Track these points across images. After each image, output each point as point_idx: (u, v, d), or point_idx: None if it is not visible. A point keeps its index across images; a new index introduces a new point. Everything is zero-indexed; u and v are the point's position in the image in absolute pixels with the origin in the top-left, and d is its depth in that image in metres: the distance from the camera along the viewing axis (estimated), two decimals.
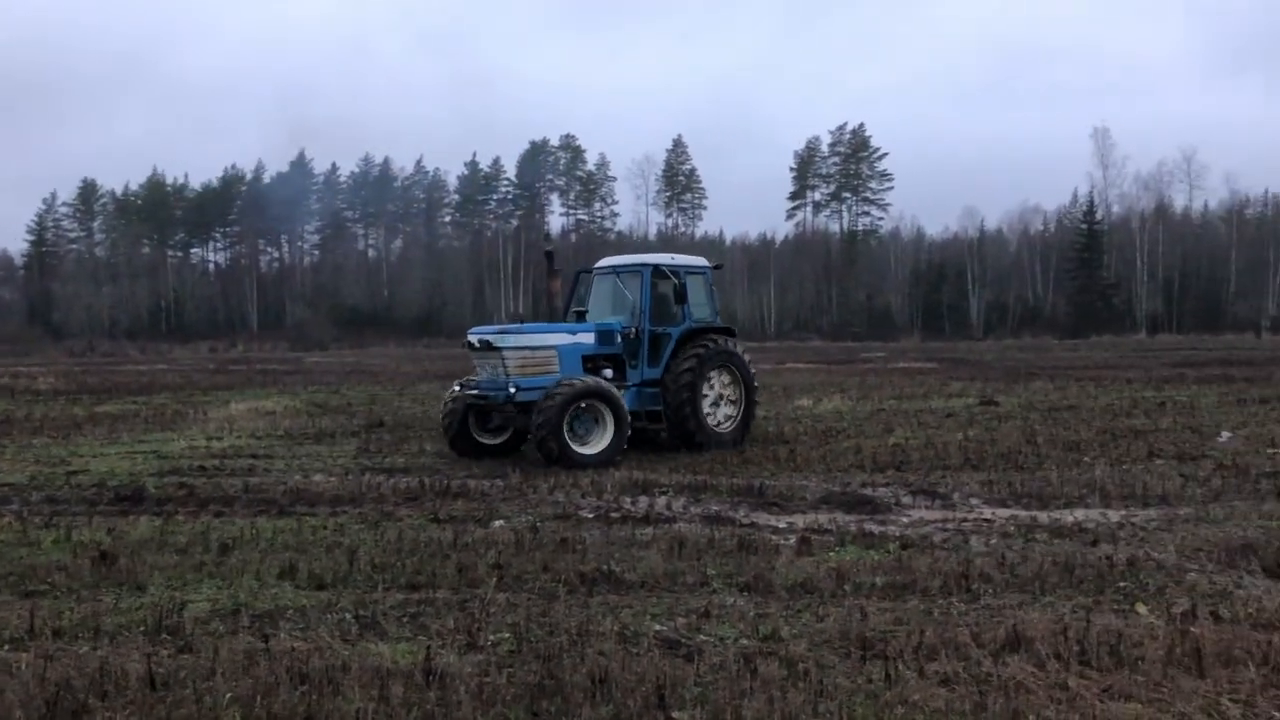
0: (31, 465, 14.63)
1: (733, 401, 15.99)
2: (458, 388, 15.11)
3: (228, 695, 5.09)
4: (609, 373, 15.01)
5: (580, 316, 16.09)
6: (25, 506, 11.24)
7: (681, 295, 15.41)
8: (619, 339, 15.46)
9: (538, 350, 14.63)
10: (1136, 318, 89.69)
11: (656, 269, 15.67)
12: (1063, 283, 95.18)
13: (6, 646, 6.19)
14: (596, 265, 16.99)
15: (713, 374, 15.56)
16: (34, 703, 4.96)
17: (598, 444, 14.00)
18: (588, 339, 15.20)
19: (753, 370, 16.29)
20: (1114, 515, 10.04)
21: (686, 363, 15.17)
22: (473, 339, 14.92)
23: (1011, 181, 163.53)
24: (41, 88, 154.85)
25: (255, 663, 5.63)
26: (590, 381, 14.10)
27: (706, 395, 15.49)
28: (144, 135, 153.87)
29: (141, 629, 6.53)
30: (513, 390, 14.01)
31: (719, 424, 15.70)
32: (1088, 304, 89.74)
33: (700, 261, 16.88)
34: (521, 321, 15.57)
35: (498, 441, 15.35)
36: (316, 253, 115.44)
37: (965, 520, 9.96)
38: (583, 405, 13.92)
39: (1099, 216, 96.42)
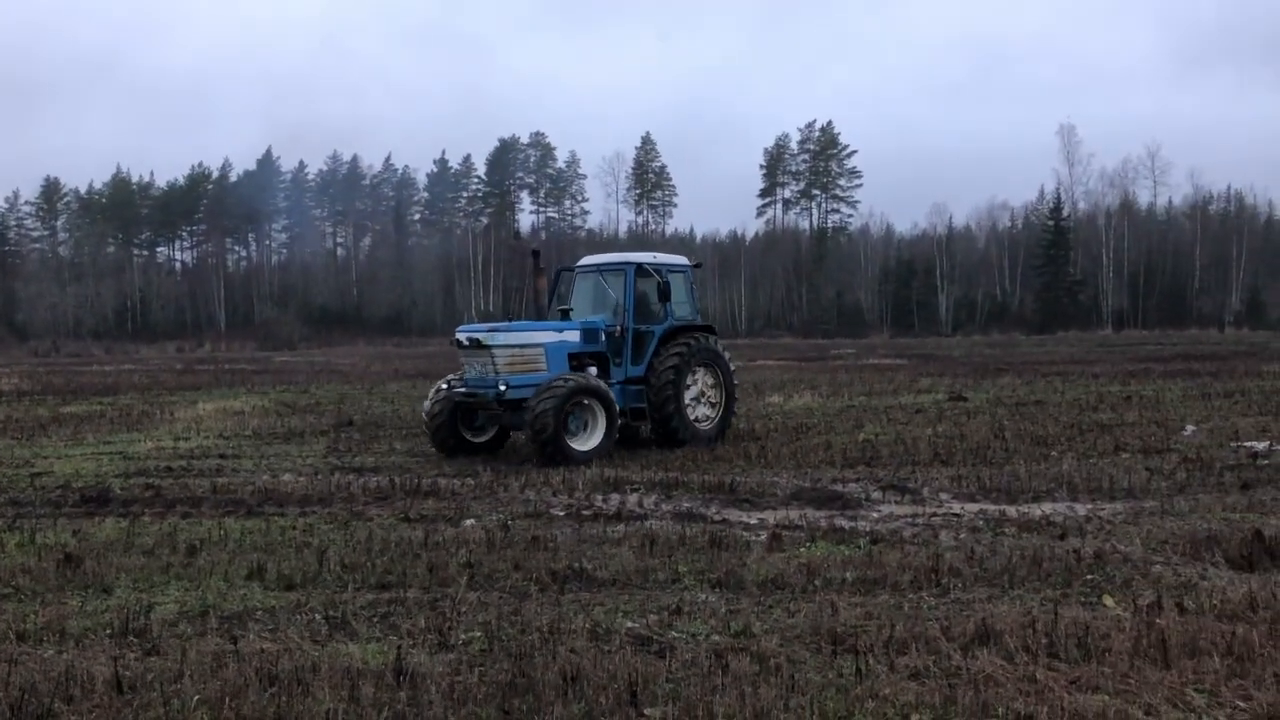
0: None
1: (713, 400, 16.14)
2: (445, 385, 15.11)
3: (196, 698, 5.04)
4: (593, 370, 15.05)
5: (565, 315, 16.06)
6: None
7: (666, 293, 15.50)
8: (603, 337, 15.56)
9: (526, 348, 14.75)
10: (1102, 313, 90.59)
11: (640, 267, 15.80)
12: (1030, 279, 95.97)
13: None
14: (579, 263, 17.06)
15: (694, 372, 15.72)
16: None
17: (590, 440, 14.18)
18: (574, 337, 15.31)
19: (732, 368, 16.50)
20: (1081, 509, 10.14)
21: (670, 360, 15.32)
22: (461, 337, 14.93)
23: (980, 178, 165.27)
24: (4, 84, 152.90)
25: (224, 664, 5.59)
26: (583, 379, 14.24)
27: (688, 392, 15.63)
28: (109, 133, 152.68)
29: (108, 632, 6.46)
30: (502, 388, 14.12)
31: (699, 421, 15.86)
32: (1054, 300, 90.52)
33: (681, 260, 17.05)
34: (511, 320, 15.55)
35: (483, 440, 15.46)
36: (284, 251, 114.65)
37: (935, 515, 10.02)
38: (583, 402, 14.11)
39: (1065, 213, 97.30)
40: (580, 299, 16.54)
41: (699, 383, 15.87)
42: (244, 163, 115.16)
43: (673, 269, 16.32)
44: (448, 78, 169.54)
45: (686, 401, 15.58)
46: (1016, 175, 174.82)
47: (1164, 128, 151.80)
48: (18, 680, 5.30)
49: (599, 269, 16.45)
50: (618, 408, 14.65)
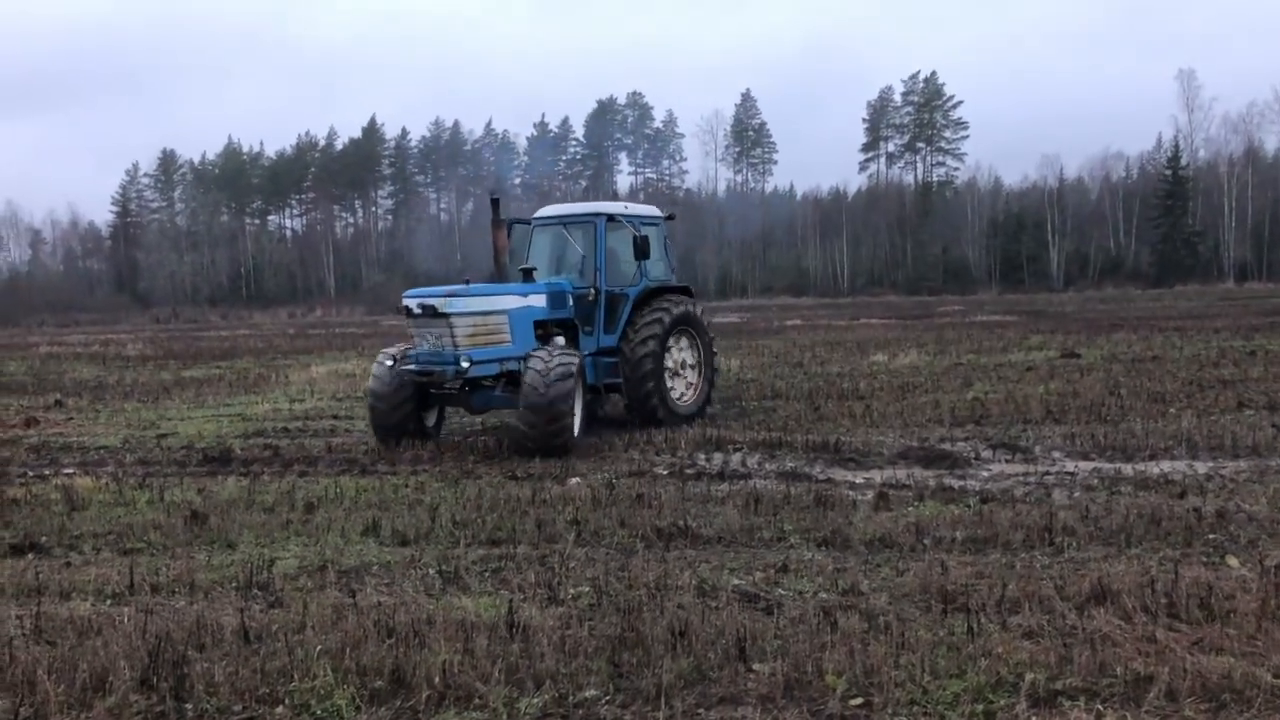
0: (124, 429, 15.12)
1: (691, 375, 14.34)
2: (390, 362, 12.39)
3: (318, 648, 5.22)
4: (560, 340, 12.89)
5: (527, 275, 13.44)
6: (120, 468, 11.64)
7: (644, 250, 13.54)
8: (570, 301, 13.41)
9: (489, 315, 12.27)
10: (1224, 266, 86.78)
11: (611, 219, 13.81)
12: (1146, 231, 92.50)
13: (109, 601, 6.45)
14: (537, 214, 14.76)
15: (672, 341, 13.82)
16: (137, 654, 5.15)
17: (577, 422, 12.12)
18: (539, 301, 12.94)
19: (711, 335, 14.72)
20: (1201, 467, 9.81)
21: (648, 329, 13.37)
22: (411, 304, 12.20)
23: (1092, 128, 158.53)
24: (121, 63, 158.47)
25: (343, 616, 5.77)
26: (577, 353, 12.30)
27: (667, 365, 13.76)
28: (223, 104, 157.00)
29: (234, 585, 6.74)
30: (465, 364, 11.78)
31: (680, 396, 14.02)
32: (1172, 252, 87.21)
33: (654, 211, 14.99)
34: (469, 283, 12.90)
35: (431, 424, 13.31)
36: (389, 218, 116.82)
37: (1047, 474, 9.80)
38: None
39: (1184, 161, 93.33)
40: (538, 256, 14.29)
41: (676, 355, 13.98)
42: (350, 130, 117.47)
43: (646, 221, 14.35)
44: (550, 38, 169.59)
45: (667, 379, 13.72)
46: (1131, 124, 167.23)
47: None
48: (153, 629, 5.56)
49: (562, 221, 14.20)
50: (587, 385, 12.88)
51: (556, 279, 13.63)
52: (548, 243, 14.37)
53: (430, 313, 11.96)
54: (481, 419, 14.68)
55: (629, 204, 15.05)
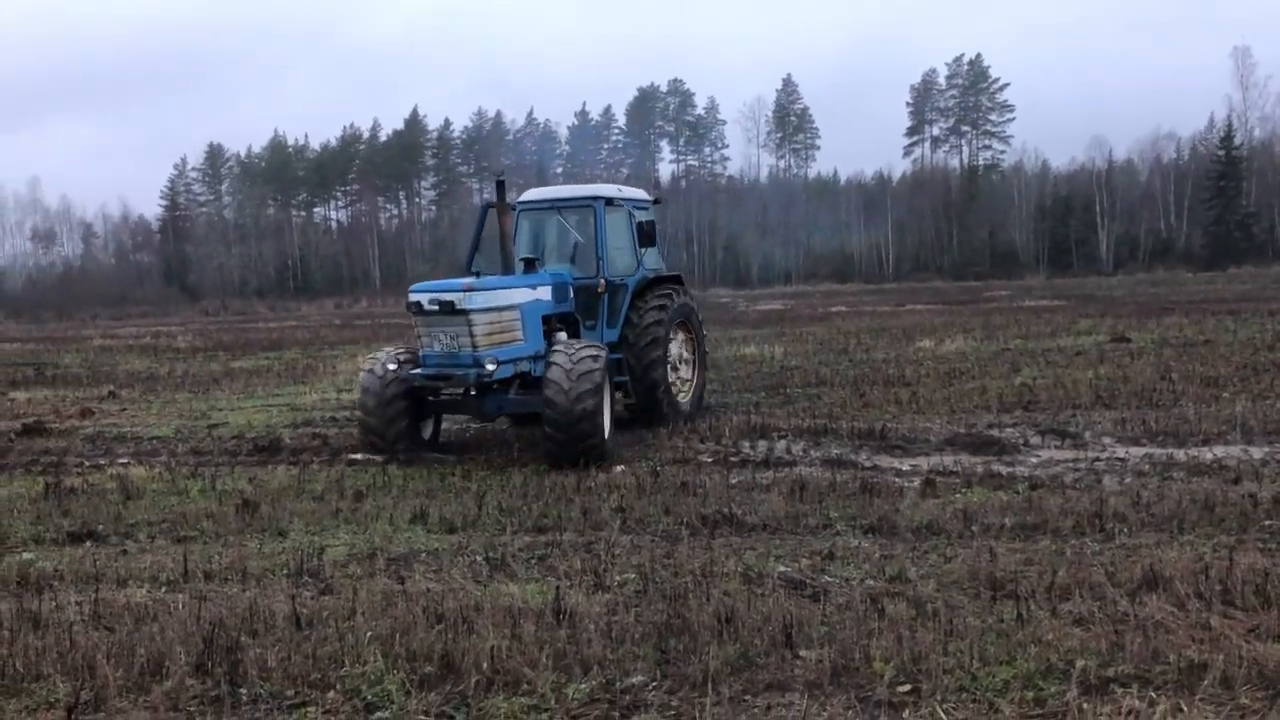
0: (176, 419, 15.37)
1: (688, 363, 13.66)
2: (394, 366, 11.13)
3: (368, 634, 5.29)
4: (563, 336, 11.99)
5: (530, 265, 12.08)
6: (173, 458, 11.84)
7: (649, 236, 12.83)
8: (571, 293, 12.37)
9: (503, 311, 11.11)
10: (1279, 248, 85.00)
11: (610, 202, 12.79)
12: (1198, 213, 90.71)
13: (164, 588, 6.58)
14: (522, 199, 13.37)
15: (671, 334, 13.00)
16: (192, 639, 5.26)
17: (606, 424, 11.02)
18: (546, 295, 11.83)
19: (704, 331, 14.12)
20: (1257, 452, 9.64)
21: (651, 320, 12.54)
22: (421, 299, 10.79)
23: (1142, 109, 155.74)
24: (170, 61, 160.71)
25: (393, 603, 5.84)
26: (601, 347, 11.23)
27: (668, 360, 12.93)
28: (271, 98, 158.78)
29: (285, 571, 6.84)
30: (491, 367, 10.62)
31: (678, 393, 13.27)
32: (1225, 234, 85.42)
33: (644, 195, 14.01)
34: (478, 274, 11.79)
35: (429, 434, 12.02)
36: (433, 208, 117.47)
37: (1097, 459, 9.68)
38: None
39: (1238, 141, 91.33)
40: (525, 245, 13.00)
41: (675, 347, 13.17)
42: (393, 122, 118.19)
43: (639, 206, 13.44)
44: (595, 28, 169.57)
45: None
46: (1182, 103, 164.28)
47: None
48: (208, 615, 5.67)
49: (555, 205, 13.02)
50: None
51: (557, 269, 12.55)
52: (535, 230, 13.19)
53: (447, 309, 10.60)
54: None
55: (622, 187, 13.98)
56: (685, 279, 13.96)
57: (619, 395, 12.53)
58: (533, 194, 13.37)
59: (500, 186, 12.34)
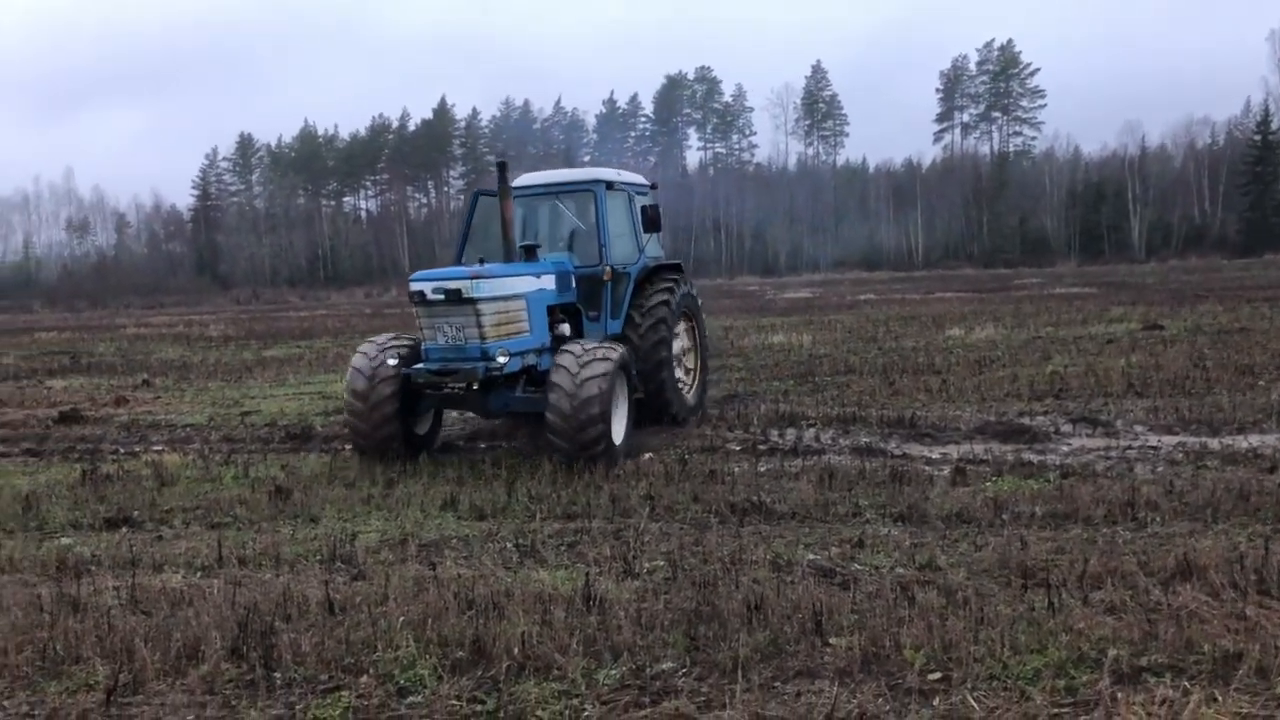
0: (209, 407, 15.53)
1: (689, 356, 12.90)
2: (394, 361, 10.32)
3: (400, 619, 5.34)
4: (565, 328, 11.30)
5: (530, 252, 11.30)
6: (206, 445, 11.98)
7: (655, 221, 11.88)
8: (573, 283, 11.60)
9: (510, 301, 10.38)
10: None
11: (610, 186, 12.01)
12: (1233, 199, 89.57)
13: (199, 573, 6.66)
14: (517, 183, 12.34)
15: (677, 327, 12.33)
16: (227, 624, 5.33)
17: (618, 427, 10.17)
18: (550, 284, 11.11)
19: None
20: None
21: (655, 312, 11.79)
22: (425, 288, 10.05)
23: (1175, 94, 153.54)
24: (202, 54, 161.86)
25: (424, 589, 5.89)
26: (618, 346, 10.35)
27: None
28: (300, 88, 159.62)
29: (318, 557, 6.92)
30: (502, 360, 9.90)
31: (684, 388, 12.57)
32: (1261, 220, 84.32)
33: (641, 180, 13.18)
34: (482, 261, 11.15)
35: (424, 431, 11.23)
36: (461, 198, 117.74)
37: (1129, 448, 9.60)
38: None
39: (1275, 125, 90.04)
40: (517, 233, 11.87)
41: (676, 341, 12.27)
42: (422, 111, 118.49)
43: (638, 190, 12.74)
44: (619, 15, 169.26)
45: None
46: (1217, 88, 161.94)
47: None
48: (242, 600, 5.74)
49: (552, 190, 12.26)
50: None
51: (557, 257, 11.81)
52: (527, 216, 12.44)
53: (453, 298, 9.87)
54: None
55: (622, 171, 12.99)
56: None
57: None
58: (527, 179, 12.48)
59: (502, 168, 11.22)
